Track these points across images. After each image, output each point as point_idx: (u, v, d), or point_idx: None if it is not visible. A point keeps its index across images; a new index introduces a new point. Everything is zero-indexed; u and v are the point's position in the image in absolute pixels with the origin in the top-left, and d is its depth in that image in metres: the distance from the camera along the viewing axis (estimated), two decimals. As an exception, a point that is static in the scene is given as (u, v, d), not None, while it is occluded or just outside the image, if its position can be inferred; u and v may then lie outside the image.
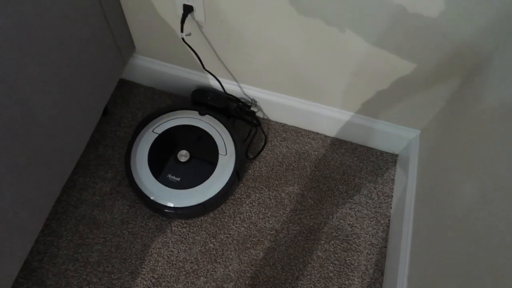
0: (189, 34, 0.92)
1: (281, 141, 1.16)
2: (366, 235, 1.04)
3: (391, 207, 1.08)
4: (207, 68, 1.02)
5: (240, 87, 1.09)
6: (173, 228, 1.02)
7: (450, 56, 0.79)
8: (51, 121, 0.79)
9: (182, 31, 0.87)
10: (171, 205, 0.97)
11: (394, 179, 1.12)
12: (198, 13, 0.87)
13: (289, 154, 1.14)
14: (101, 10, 0.86)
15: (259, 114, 1.18)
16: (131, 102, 1.19)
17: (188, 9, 0.86)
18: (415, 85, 0.90)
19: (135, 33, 1.03)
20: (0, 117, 0.66)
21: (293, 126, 1.18)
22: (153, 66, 1.12)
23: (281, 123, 1.18)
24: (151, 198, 0.97)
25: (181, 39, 0.93)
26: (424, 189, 0.93)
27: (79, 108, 0.88)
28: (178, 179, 1.00)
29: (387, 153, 1.16)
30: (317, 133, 1.17)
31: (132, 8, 0.95)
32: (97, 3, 0.84)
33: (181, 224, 1.02)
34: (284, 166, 1.12)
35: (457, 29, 0.72)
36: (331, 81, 0.97)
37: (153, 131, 1.05)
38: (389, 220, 1.07)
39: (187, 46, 0.95)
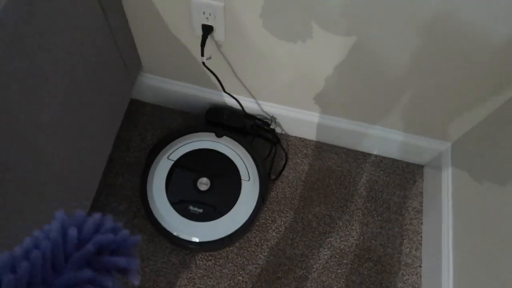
0: (210, 58, 0.84)
1: (302, 158, 1.09)
2: (399, 255, 1.00)
3: (422, 223, 1.04)
4: (226, 89, 0.93)
5: (258, 104, 1.01)
6: (198, 261, 0.95)
7: (492, 69, 0.73)
8: (65, 165, 0.70)
9: (202, 55, 0.78)
10: (196, 240, 0.90)
11: (422, 192, 1.07)
12: (218, 32, 0.78)
13: (312, 172, 1.07)
14: (110, 32, 0.76)
15: (277, 130, 1.10)
16: (139, 123, 1.09)
17: (207, 30, 0.77)
18: (450, 100, 0.85)
19: (142, 52, 0.93)
20: (15, 174, 0.57)
21: (314, 141, 1.11)
22: (161, 84, 1.03)
23: (300, 138, 1.11)
24: (174, 234, 0.90)
25: (199, 61, 0.84)
26: (465, 201, 0.88)
27: (92, 143, 0.79)
28: (201, 210, 0.92)
29: (413, 164, 1.11)
30: (339, 147, 1.11)
31: (141, 27, 0.85)
32: (106, 26, 0.74)
33: (205, 257, 0.96)
34: (308, 185, 1.06)
35: (500, 36, 0.66)
36: (357, 96, 0.91)
37: (168, 158, 0.97)
38: (421, 236, 1.02)
39: (201, 65, 0.86)
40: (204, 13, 0.74)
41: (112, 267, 0.27)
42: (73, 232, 0.26)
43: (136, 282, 0.29)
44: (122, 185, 1.01)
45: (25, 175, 0.60)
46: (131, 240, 0.29)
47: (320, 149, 1.11)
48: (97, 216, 0.28)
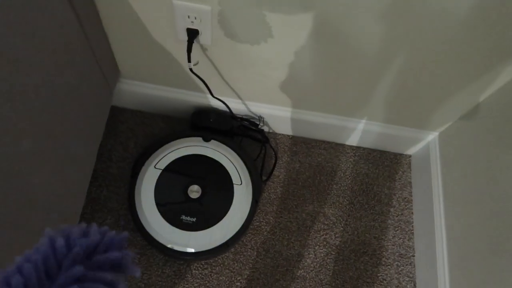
0: (197, 63, 0.79)
1: (292, 155, 1.07)
2: (393, 246, 1.01)
3: (413, 213, 1.05)
4: (213, 93, 0.89)
5: (245, 104, 0.98)
6: (193, 271, 0.92)
7: (466, 52, 0.73)
8: (49, 190, 0.65)
9: (189, 61, 0.74)
10: (192, 250, 0.87)
11: (411, 182, 1.09)
12: (204, 36, 0.74)
13: (302, 169, 1.06)
14: (86, 40, 0.71)
15: (265, 129, 1.08)
16: (119, 131, 1.04)
17: (193, 34, 0.73)
18: (431, 91, 0.85)
19: (120, 57, 0.88)
20: (3, 210, 0.52)
21: (302, 137, 1.10)
22: (141, 89, 0.97)
23: (288, 135, 1.09)
24: (168, 246, 0.87)
25: (182, 65, 0.79)
26: (455, 188, 0.90)
27: (75, 161, 0.74)
28: (194, 219, 0.89)
29: (400, 154, 1.12)
30: (328, 142, 1.10)
31: (118, 32, 0.79)
32: (82, 34, 0.68)
33: (201, 266, 0.93)
34: (300, 183, 1.04)
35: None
36: (340, 91, 0.89)
37: (155, 166, 0.93)
38: (412, 226, 1.04)
39: (185, 69, 0.82)
40: (189, 17, 0.69)
41: (105, 264, 0.28)
42: (60, 241, 0.27)
43: (137, 274, 0.30)
44: (107, 197, 0.96)
45: (11, 207, 0.55)
46: (118, 237, 0.30)
47: (309, 145, 1.09)
48: (82, 225, 0.29)
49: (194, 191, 0.92)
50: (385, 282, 0.97)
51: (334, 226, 1.01)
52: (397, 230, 1.03)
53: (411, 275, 0.98)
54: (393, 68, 0.78)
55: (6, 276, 0.25)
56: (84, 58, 0.71)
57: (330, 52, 0.76)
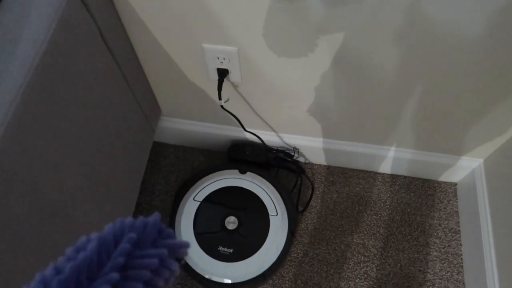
0: (228, 100, 0.84)
1: (329, 186, 1.07)
2: (440, 280, 0.95)
3: (461, 244, 0.99)
4: (246, 127, 0.93)
5: (280, 136, 1.00)
6: (232, 302, 0.93)
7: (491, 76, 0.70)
8: (94, 225, 0.71)
9: (220, 98, 0.79)
10: (229, 281, 0.89)
11: (458, 212, 1.03)
12: (234, 75, 0.79)
13: (340, 200, 1.05)
14: (127, 86, 0.78)
15: (300, 159, 1.09)
16: (162, 165, 1.10)
17: (223, 73, 0.77)
18: (480, 118, 0.81)
19: (160, 98, 0.95)
20: (49, 245, 0.57)
21: (338, 167, 1.09)
22: (181, 126, 1.03)
23: (325, 166, 1.09)
24: (206, 277, 0.89)
25: (217, 103, 0.84)
26: (505, 217, 0.84)
27: (118, 196, 0.80)
28: (231, 250, 0.91)
29: (444, 182, 1.07)
30: (366, 171, 1.08)
31: (157, 75, 0.86)
32: (123, 81, 0.76)
33: (239, 297, 0.94)
34: (338, 214, 1.03)
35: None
36: (372, 121, 0.88)
37: (194, 199, 0.97)
38: (461, 259, 0.98)
39: (218, 105, 0.86)
40: (218, 58, 0.74)
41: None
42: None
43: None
44: (150, 229, 1.01)
45: (56, 244, 0.60)
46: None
47: (347, 175, 1.08)
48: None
49: (231, 222, 0.94)
50: (433, 319, 0.91)
51: (375, 258, 0.98)
52: (444, 263, 0.97)
53: (462, 312, 0.92)
54: (415, 95, 0.77)
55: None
56: (126, 102, 0.77)
57: (352, 82, 0.77)
